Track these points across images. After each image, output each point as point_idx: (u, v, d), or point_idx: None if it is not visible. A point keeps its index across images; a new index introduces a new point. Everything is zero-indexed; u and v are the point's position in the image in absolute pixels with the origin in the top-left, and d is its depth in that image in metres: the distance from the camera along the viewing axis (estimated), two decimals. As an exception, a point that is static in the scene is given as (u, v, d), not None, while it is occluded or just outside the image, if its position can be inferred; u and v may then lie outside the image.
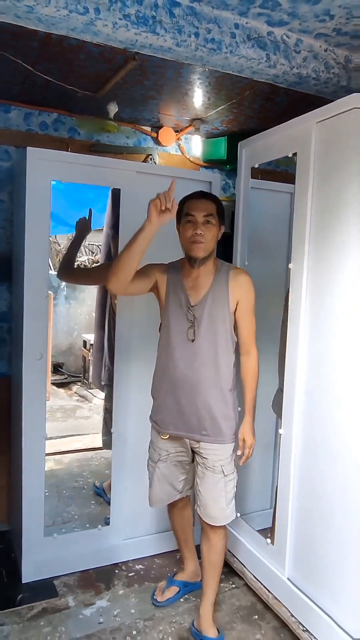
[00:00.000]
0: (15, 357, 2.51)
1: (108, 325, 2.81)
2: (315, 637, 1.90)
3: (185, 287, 1.98)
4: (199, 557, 2.36)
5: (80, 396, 5.64)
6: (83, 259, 7.79)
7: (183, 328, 1.97)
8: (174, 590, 2.28)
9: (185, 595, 2.29)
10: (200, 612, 2.06)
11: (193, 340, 1.95)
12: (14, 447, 2.55)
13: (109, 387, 2.78)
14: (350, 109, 1.77)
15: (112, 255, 2.93)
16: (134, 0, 1.71)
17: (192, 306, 1.96)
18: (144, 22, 1.73)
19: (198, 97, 2.45)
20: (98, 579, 2.38)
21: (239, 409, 2.03)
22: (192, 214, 1.91)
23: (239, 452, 2.01)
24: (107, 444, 2.85)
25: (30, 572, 2.31)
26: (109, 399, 2.81)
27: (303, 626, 1.97)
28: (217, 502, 1.99)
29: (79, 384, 5.98)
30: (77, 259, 8.05)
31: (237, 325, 1.99)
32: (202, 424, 1.96)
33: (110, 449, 2.70)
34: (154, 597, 2.26)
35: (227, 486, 1.99)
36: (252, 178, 2.45)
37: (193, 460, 2.07)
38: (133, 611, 2.18)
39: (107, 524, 2.51)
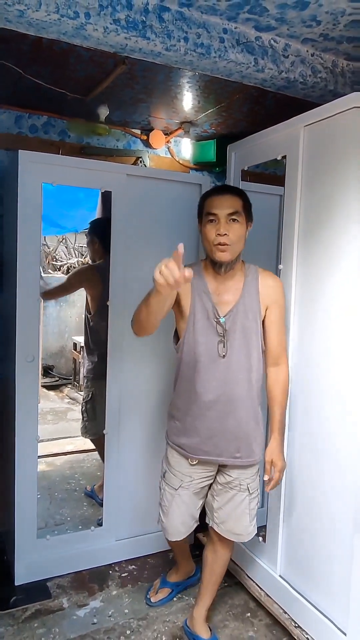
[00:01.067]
0: (6, 360, 2.51)
1: (86, 325, 2.97)
2: (307, 633, 1.93)
3: (211, 295, 1.78)
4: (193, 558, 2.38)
5: (71, 398, 5.63)
6: (72, 261, 7.78)
7: (212, 343, 1.76)
8: (166, 591, 2.27)
9: (179, 595, 2.30)
10: (194, 615, 2.03)
11: (224, 356, 1.76)
12: (5, 449, 2.55)
13: (85, 379, 3.05)
14: (350, 108, 1.75)
15: (91, 259, 3.00)
16: (124, 5, 1.72)
17: (220, 317, 1.77)
18: (134, 26, 1.75)
19: (187, 100, 2.47)
20: (91, 580, 2.39)
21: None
22: (214, 212, 1.71)
23: (265, 478, 1.87)
24: (84, 432, 3.03)
25: (23, 574, 2.31)
26: (85, 389, 3.03)
27: (295, 622, 1.99)
28: (241, 520, 1.90)
29: (70, 386, 5.97)
30: (67, 261, 8.01)
31: (265, 334, 1.83)
32: (235, 446, 1.81)
33: (86, 437, 2.98)
34: (148, 596, 2.26)
35: (251, 503, 1.90)
36: (242, 181, 2.47)
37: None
38: (127, 611, 2.19)
39: (100, 525, 2.52)
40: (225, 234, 1.70)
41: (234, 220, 1.71)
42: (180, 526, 1.95)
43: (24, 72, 2.11)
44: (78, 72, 2.15)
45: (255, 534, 2.25)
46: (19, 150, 2.11)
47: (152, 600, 2.24)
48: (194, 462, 1.86)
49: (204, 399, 1.78)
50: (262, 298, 1.80)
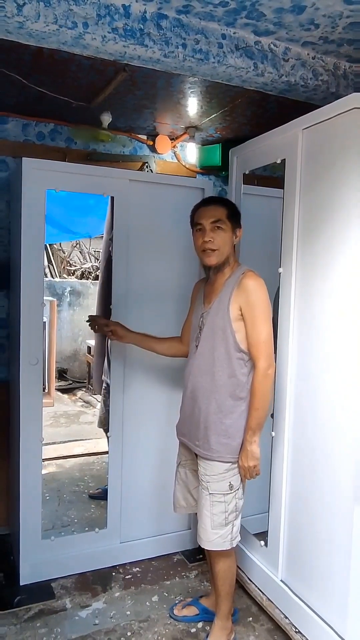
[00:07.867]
0: (12, 363, 2.56)
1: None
2: (307, 638, 1.91)
3: (205, 294, 2.00)
4: None
5: (84, 402, 5.68)
6: (87, 265, 7.86)
7: (194, 335, 1.99)
8: (193, 610, 2.19)
9: (205, 622, 2.15)
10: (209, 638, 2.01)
11: (197, 349, 1.95)
12: (12, 451, 2.59)
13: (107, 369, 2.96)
14: (350, 109, 1.74)
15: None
16: (121, 14, 1.75)
17: (202, 314, 1.95)
18: (132, 34, 1.78)
19: (190, 105, 2.49)
20: (95, 582, 2.41)
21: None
22: (200, 222, 1.89)
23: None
24: (99, 423, 3.09)
25: (27, 575, 2.34)
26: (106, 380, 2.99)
27: (296, 628, 1.98)
28: (202, 521, 1.91)
29: (83, 389, 6.03)
30: (81, 265, 8.06)
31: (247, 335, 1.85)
32: (196, 434, 1.93)
33: (101, 427, 2.99)
34: (173, 608, 2.21)
35: (213, 507, 1.88)
36: (249, 184, 2.48)
37: None
38: (128, 613, 2.20)
39: (105, 526, 2.53)
40: (210, 240, 1.86)
41: (218, 227, 1.87)
42: (182, 500, 2.11)
43: (27, 81, 2.16)
44: (80, 80, 2.19)
45: (258, 540, 2.25)
46: (23, 158, 2.16)
47: (176, 613, 2.19)
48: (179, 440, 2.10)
49: (185, 384, 2.02)
50: (234, 297, 1.84)
